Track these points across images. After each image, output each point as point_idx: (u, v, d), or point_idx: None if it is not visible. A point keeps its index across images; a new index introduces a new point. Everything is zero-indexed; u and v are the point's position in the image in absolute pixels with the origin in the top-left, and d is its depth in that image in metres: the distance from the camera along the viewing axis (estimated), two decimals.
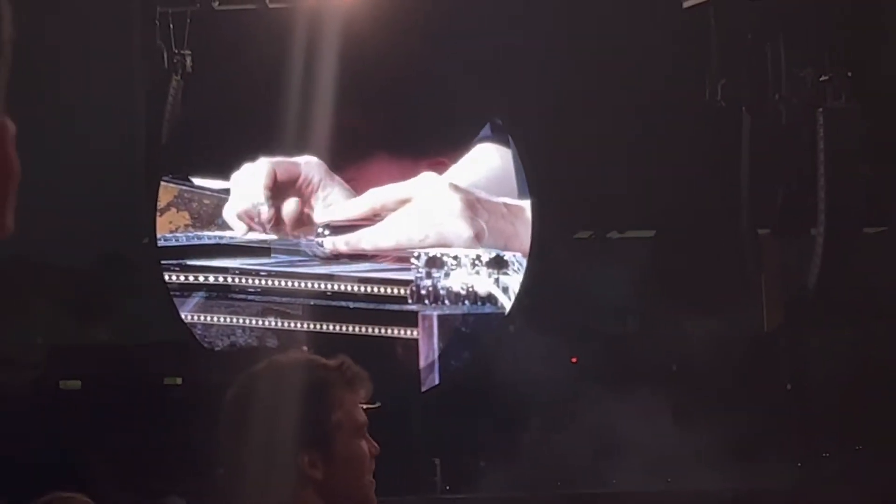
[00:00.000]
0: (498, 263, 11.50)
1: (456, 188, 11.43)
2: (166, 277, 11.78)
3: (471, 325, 11.68)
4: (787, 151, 11.87)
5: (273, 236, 11.62)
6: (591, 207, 12.49)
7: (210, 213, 11.71)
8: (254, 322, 11.76)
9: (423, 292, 11.54)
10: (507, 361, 11.02)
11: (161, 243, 11.81)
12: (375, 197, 11.48)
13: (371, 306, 11.62)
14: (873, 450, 11.05)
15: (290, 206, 11.47)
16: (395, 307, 11.60)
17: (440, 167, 11.58)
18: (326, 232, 11.55)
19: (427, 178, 11.47)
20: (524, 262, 11.50)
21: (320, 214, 11.53)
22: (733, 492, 10.49)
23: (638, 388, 10.45)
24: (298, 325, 11.70)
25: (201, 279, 11.77)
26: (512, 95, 11.82)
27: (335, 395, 2.87)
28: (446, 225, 11.42)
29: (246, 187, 11.51)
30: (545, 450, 10.85)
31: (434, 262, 11.49)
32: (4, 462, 9.73)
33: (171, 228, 11.81)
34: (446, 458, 11.46)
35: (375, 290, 11.62)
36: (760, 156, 11.87)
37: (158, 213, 11.79)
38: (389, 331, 11.61)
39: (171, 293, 11.79)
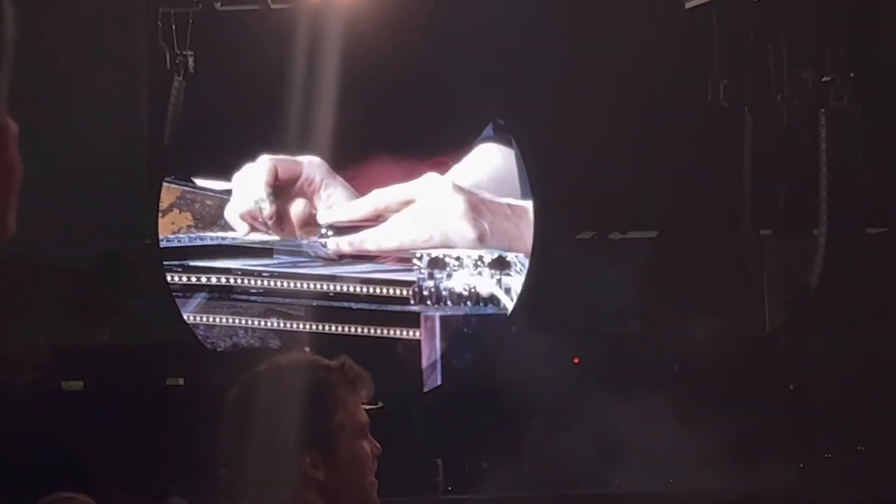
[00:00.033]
0: (500, 264, 11.50)
1: (460, 189, 11.43)
2: (168, 278, 11.78)
3: (473, 326, 11.68)
4: (789, 152, 11.87)
5: (275, 237, 11.62)
6: (593, 208, 12.49)
7: (212, 214, 11.71)
8: (256, 323, 11.76)
9: (426, 293, 11.54)
10: (509, 362, 11.01)
11: (163, 244, 11.81)
12: (379, 198, 11.47)
13: (373, 307, 11.63)
14: (875, 450, 11.05)
15: (298, 206, 11.46)
16: (398, 308, 11.61)
17: (442, 167, 11.58)
18: (330, 233, 11.55)
19: (431, 178, 11.47)
20: (526, 262, 11.50)
21: (323, 215, 11.53)
22: (735, 492, 10.49)
23: (640, 388, 10.45)
24: (301, 325, 11.70)
25: (203, 280, 11.77)
26: (514, 96, 11.82)
27: (337, 395, 2.87)
28: (450, 226, 11.42)
29: (248, 185, 11.50)
30: (547, 450, 10.85)
31: (436, 263, 11.49)
32: (7, 462, 9.73)
33: (173, 229, 11.82)
34: (448, 458, 11.47)
35: (378, 290, 11.62)
36: (762, 156, 11.87)
37: (161, 214, 11.79)
38: (391, 332, 11.61)
39: (174, 294, 11.79)
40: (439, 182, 11.45)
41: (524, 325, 11.65)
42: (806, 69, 11.71)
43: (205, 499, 9.25)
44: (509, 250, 11.50)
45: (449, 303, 11.57)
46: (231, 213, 11.58)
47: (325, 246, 11.57)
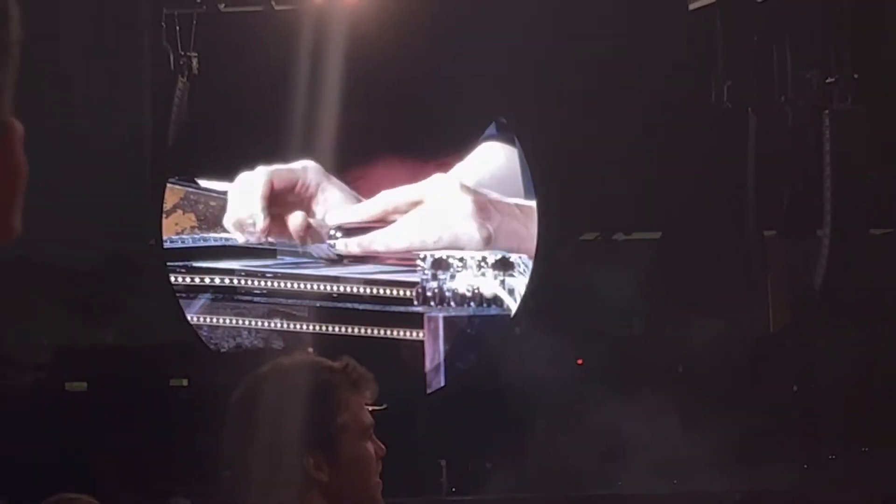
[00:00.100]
0: (504, 265, 11.50)
1: (468, 190, 11.43)
2: (172, 279, 11.78)
3: (476, 327, 11.67)
4: (793, 153, 11.86)
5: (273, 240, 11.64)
6: (597, 209, 12.49)
7: (216, 215, 11.71)
8: (259, 324, 11.76)
9: (429, 294, 11.54)
10: (512, 363, 11.01)
11: (167, 245, 11.82)
12: (387, 199, 11.48)
13: (377, 308, 11.63)
14: (879, 452, 11.04)
15: (296, 219, 11.45)
16: (401, 309, 11.60)
17: (447, 169, 11.58)
18: (339, 234, 11.54)
19: (439, 179, 11.47)
20: (530, 263, 11.50)
21: (332, 217, 11.53)
22: (739, 493, 10.48)
23: (644, 389, 10.45)
24: (304, 326, 11.70)
25: (207, 281, 11.77)
26: (518, 97, 11.82)
27: (341, 397, 2.87)
28: (459, 227, 11.41)
29: (243, 197, 11.51)
30: (551, 451, 10.85)
31: (440, 264, 11.49)
32: (11, 463, 9.75)
33: (177, 230, 11.82)
34: (452, 459, 11.47)
35: (381, 291, 11.62)
36: (766, 157, 11.87)
37: (164, 215, 11.80)
38: (395, 332, 11.61)
39: (177, 295, 11.79)
40: (447, 183, 11.45)
41: (528, 326, 11.64)
42: (810, 70, 11.71)
43: (208, 500, 9.25)
44: (518, 251, 11.50)
45: (452, 304, 11.56)
46: (227, 221, 11.60)
47: (333, 247, 11.58)
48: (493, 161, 11.66)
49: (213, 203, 11.74)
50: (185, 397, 11.43)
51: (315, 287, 11.69)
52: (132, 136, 12.22)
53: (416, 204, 11.45)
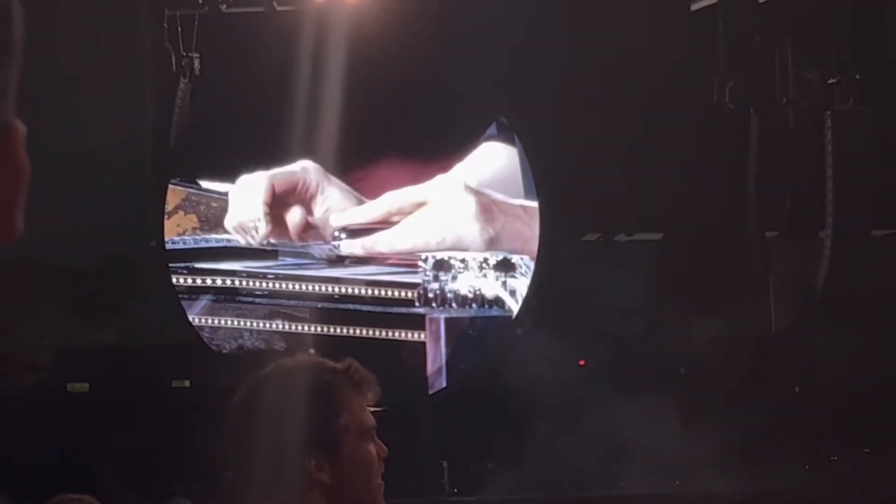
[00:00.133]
0: (505, 266, 11.49)
1: (472, 190, 11.43)
2: (174, 280, 11.78)
3: (478, 328, 11.67)
4: (795, 154, 11.86)
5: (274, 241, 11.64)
6: (599, 210, 12.49)
7: (217, 217, 11.71)
8: (261, 325, 11.76)
9: (431, 295, 11.54)
10: (514, 364, 11.00)
11: (169, 246, 11.81)
12: (391, 200, 11.48)
13: (378, 309, 11.62)
14: (881, 453, 11.03)
15: (294, 215, 11.45)
16: (403, 310, 11.60)
17: (448, 170, 11.57)
18: (343, 235, 11.54)
19: (443, 180, 11.47)
20: (531, 264, 11.50)
21: (335, 219, 11.53)
22: (741, 494, 10.48)
23: (646, 390, 10.44)
24: (306, 327, 11.70)
25: (209, 282, 11.77)
26: (520, 98, 11.82)
27: (343, 398, 2.87)
28: (463, 228, 11.41)
29: (244, 202, 11.51)
30: (553, 452, 10.85)
31: (441, 266, 11.49)
32: (13, 464, 9.75)
33: (178, 231, 11.82)
34: (454, 460, 11.47)
35: (383, 293, 11.62)
36: (768, 158, 11.86)
37: (166, 216, 11.80)
38: (396, 334, 11.61)
39: (179, 296, 11.79)
40: (452, 184, 11.44)
41: (529, 327, 11.64)
42: (812, 71, 11.71)
43: (209, 500, 9.25)
44: (522, 252, 11.50)
45: (454, 305, 11.56)
46: (228, 224, 11.60)
47: (338, 248, 11.58)
48: (494, 162, 11.66)
49: (214, 204, 11.74)
50: (186, 398, 11.43)
51: (316, 288, 11.69)
52: (134, 137, 12.21)
53: (420, 205, 11.45)
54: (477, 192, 11.44)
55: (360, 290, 11.65)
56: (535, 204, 11.57)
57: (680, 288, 12.11)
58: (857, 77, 11.58)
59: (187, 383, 11.78)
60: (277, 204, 11.47)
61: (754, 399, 11.29)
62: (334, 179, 11.54)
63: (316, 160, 11.46)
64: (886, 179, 11.81)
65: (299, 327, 11.70)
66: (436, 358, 11.66)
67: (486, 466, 11.39)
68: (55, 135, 10.46)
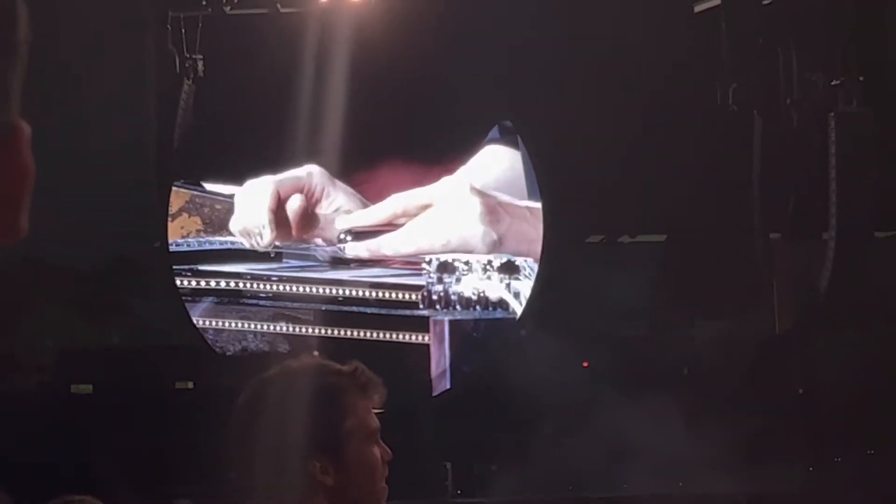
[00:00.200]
0: (509, 268, 11.49)
1: (477, 192, 11.42)
2: (178, 282, 11.78)
3: (482, 330, 11.67)
4: (799, 155, 11.86)
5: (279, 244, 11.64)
6: (602, 211, 12.48)
7: (221, 219, 11.71)
8: (265, 327, 11.76)
9: (435, 297, 11.54)
10: (518, 366, 11.00)
11: (172, 248, 11.82)
12: (397, 202, 11.47)
13: (382, 311, 11.62)
14: (885, 454, 11.02)
15: (293, 203, 11.42)
16: (407, 312, 11.60)
17: (452, 172, 11.57)
18: (348, 238, 11.54)
19: (448, 182, 11.46)
20: (535, 266, 11.50)
21: (341, 221, 11.53)
22: (744, 495, 10.47)
23: (649, 391, 10.44)
24: (310, 330, 11.70)
25: (213, 284, 11.78)
26: (524, 100, 11.82)
27: (348, 400, 2.86)
28: (468, 230, 11.41)
29: (250, 207, 11.51)
30: (556, 453, 10.84)
31: (445, 268, 11.48)
32: (17, 465, 9.74)
33: (182, 233, 11.82)
34: (457, 462, 11.46)
35: (387, 295, 11.62)
36: (771, 160, 11.86)
37: (170, 218, 11.80)
38: (401, 336, 11.60)
39: (183, 298, 11.79)
40: (457, 186, 11.44)
41: (533, 329, 11.64)
42: (815, 72, 11.70)
43: (212, 502, 9.25)
44: (527, 253, 11.49)
45: (458, 307, 11.56)
46: (233, 228, 11.60)
47: (343, 251, 11.58)
48: (498, 164, 11.66)
49: (218, 206, 11.74)
50: (190, 400, 11.43)
51: (320, 290, 11.69)
52: (138, 139, 12.21)
53: (425, 207, 11.44)
54: (482, 194, 11.44)
55: (363, 292, 11.65)
56: (540, 205, 11.57)
57: (683, 289, 12.11)
58: (861, 78, 11.58)
59: (191, 385, 11.78)
60: (282, 209, 11.48)
61: (757, 400, 11.28)
62: (339, 183, 11.54)
63: (319, 162, 11.46)
64: (890, 181, 11.80)
65: (303, 329, 11.70)
66: (440, 360, 11.66)
67: (490, 468, 11.39)
68: (60, 135, 10.45)
